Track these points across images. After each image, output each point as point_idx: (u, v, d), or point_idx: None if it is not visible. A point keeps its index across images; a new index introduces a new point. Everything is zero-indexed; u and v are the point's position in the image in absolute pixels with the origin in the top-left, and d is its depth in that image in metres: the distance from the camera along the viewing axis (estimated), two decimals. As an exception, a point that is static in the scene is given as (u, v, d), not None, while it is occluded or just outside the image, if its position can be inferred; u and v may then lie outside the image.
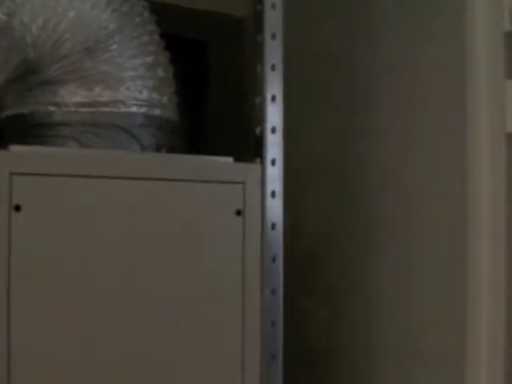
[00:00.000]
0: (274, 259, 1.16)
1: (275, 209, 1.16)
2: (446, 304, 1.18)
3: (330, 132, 1.47)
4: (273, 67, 1.18)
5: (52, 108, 1.16)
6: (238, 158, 1.16)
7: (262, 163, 1.16)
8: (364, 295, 1.37)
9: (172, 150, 1.21)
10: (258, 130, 1.17)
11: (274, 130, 1.17)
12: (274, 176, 1.16)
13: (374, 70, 1.37)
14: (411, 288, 1.26)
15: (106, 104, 1.17)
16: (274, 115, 1.17)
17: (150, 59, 1.20)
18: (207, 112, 1.52)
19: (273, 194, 1.16)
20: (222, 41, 1.47)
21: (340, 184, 1.43)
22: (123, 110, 1.17)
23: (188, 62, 1.47)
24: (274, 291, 1.16)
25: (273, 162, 1.17)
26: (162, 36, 1.24)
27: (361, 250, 1.38)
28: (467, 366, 1.15)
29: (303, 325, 1.49)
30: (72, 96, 1.16)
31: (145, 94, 1.18)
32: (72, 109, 1.16)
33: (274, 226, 1.16)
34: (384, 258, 1.33)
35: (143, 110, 1.18)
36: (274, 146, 1.17)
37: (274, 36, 1.18)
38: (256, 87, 1.19)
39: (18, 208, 1.01)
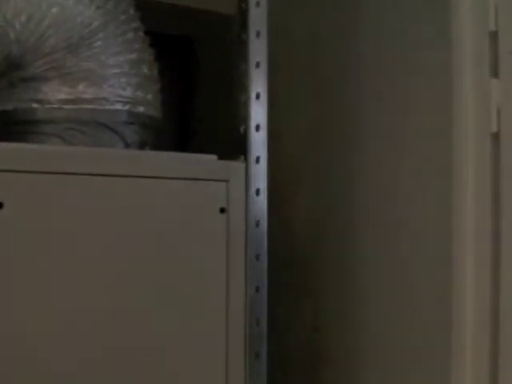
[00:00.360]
0: (257, 257, 1.15)
1: (259, 207, 1.16)
2: (432, 303, 1.18)
3: (316, 132, 1.46)
4: (257, 65, 1.18)
5: (35, 105, 1.15)
6: (224, 156, 1.16)
7: (246, 161, 1.16)
8: (352, 295, 1.37)
9: (156, 147, 1.20)
10: (242, 128, 1.17)
11: (258, 128, 1.17)
12: (259, 174, 1.16)
13: (360, 71, 1.36)
14: (398, 288, 1.26)
15: (90, 101, 1.16)
16: (258, 113, 1.17)
17: (134, 56, 1.19)
18: (196, 109, 1.51)
19: (257, 192, 1.16)
20: (210, 38, 1.47)
21: (327, 184, 1.43)
22: (107, 107, 1.16)
23: (176, 60, 1.46)
24: (258, 289, 1.15)
25: (257, 160, 1.16)
26: (150, 33, 1.23)
27: (348, 250, 1.37)
28: (452, 366, 1.14)
29: (292, 324, 1.49)
30: (55, 93, 1.15)
31: (129, 92, 1.18)
32: (55, 106, 1.15)
33: (258, 224, 1.16)
34: (371, 258, 1.32)
35: (127, 107, 1.17)
36: (258, 143, 1.17)
37: (258, 34, 1.18)
38: (241, 85, 1.18)
39: (0, 205, 1.00)
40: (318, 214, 1.45)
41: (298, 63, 1.50)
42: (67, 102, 1.15)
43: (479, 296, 1.13)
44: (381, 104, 1.31)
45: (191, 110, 1.51)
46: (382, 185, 1.30)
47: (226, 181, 1.13)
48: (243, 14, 1.19)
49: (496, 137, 1.13)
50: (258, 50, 1.18)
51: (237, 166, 1.15)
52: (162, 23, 1.37)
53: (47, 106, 1.15)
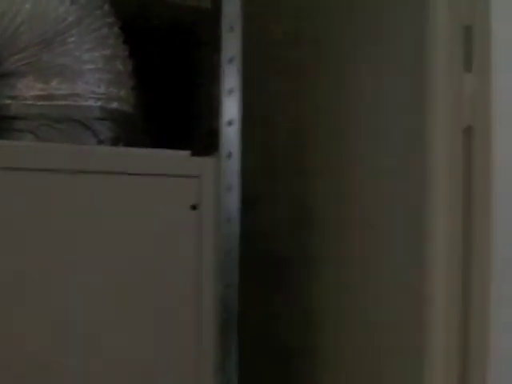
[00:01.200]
0: (229, 253, 1.15)
1: (231, 203, 1.16)
2: (404, 303, 1.18)
3: (295, 129, 1.45)
4: (230, 60, 1.17)
5: (9, 101, 1.15)
6: (199, 152, 1.16)
7: (218, 157, 1.15)
8: (327, 294, 1.36)
9: (130, 143, 1.20)
10: (214, 123, 1.17)
11: (230, 123, 1.16)
12: (231, 170, 1.16)
13: (333, 66, 1.36)
14: (368, 287, 1.26)
15: (64, 97, 1.16)
16: (230, 108, 1.16)
17: (108, 52, 1.19)
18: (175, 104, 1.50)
19: (229, 188, 1.15)
20: (188, 33, 1.46)
21: (306, 181, 1.42)
22: (80, 103, 1.16)
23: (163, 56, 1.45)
24: (229, 285, 1.15)
25: (229, 156, 1.16)
26: (132, 27, 1.22)
27: (321, 250, 1.37)
28: (425, 366, 1.14)
29: (267, 322, 1.49)
30: (29, 89, 1.15)
31: (102, 88, 1.18)
32: (29, 102, 1.15)
33: (229, 220, 1.15)
34: (342, 257, 1.32)
35: (100, 103, 1.17)
36: (230, 139, 1.16)
37: (231, 28, 1.18)
38: (214, 80, 1.18)
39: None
40: (297, 211, 1.45)
41: (278, 59, 1.49)
42: (41, 98, 1.15)
43: (449, 295, 1.12)
44: (358, 100, 1.30)
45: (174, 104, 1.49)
46: (358, 181, 1.30)
47: (198, 177, 1.13)
48: (216, 9, 1.18)
49: (469, 131, 1.12)
50: (231, 44, 1.17)
51: (208, 161, 1.14)
52: (143, 16, 1.36)
53: (21, 102, 1.15)
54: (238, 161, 1.16)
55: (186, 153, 1.14)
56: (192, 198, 1.12)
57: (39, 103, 1.15)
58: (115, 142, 1.19)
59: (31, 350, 1.03)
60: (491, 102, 1.11)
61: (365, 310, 1.27)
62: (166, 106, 1.37)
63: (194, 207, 1.12)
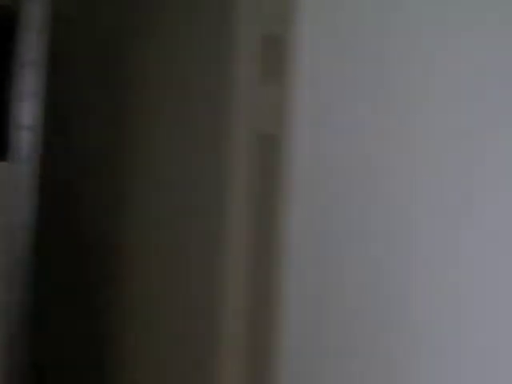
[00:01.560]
0: (22, 260, 1.11)
1: (25, 208, 1.12)
2: (203, 312, 1.18)
3: (102, 132, 1.43)
4: (29, 62, 1.14)
5: None
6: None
7: (11, 161, 1.11)
8: (133, 299, 1.34)
9: None
10: (9, 127, 1.13)
11: (26, 127, 1.13)
12: (24, 174, 1.12)
13: (147, 77, 1.35)
14: (175, 291, 1.25)
15: None
16: (27, 112, 1.13)
17: None
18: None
19: (25, 193, 1.12)
20: None
21: (109, 181, 1.40)
22: None
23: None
24: (21, 293, 1.11)
25: (23, 160, 1.12)
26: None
27: (130, 251, 1.35)
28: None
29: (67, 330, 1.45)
30: None
31: None
32: None
33: (23, 226, 1.11)
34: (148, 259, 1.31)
35: None
36: (25, 143, 1.12)
37: (32, 29, 1.14)
38: (12, 82, 1.14)
39: None
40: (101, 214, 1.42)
41: (81, 60, 1.47)
42: None
43: (244, 296, 1.13)
44: (164, 102, 1.29)
45: None
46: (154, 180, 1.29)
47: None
48: (17, 10, 1.15)
49: (269, 138, 1.13)
50: (30, 46, 1.14)
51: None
52: None
53: None
54: (34, 165, 1.13)
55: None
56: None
57: None
58: None
59: None
60: (293, 111, 1.12)
61: (171, 316, 1.26)
62: None
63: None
